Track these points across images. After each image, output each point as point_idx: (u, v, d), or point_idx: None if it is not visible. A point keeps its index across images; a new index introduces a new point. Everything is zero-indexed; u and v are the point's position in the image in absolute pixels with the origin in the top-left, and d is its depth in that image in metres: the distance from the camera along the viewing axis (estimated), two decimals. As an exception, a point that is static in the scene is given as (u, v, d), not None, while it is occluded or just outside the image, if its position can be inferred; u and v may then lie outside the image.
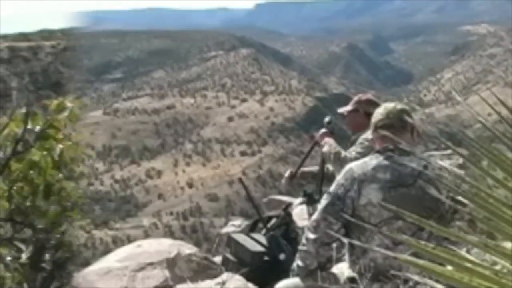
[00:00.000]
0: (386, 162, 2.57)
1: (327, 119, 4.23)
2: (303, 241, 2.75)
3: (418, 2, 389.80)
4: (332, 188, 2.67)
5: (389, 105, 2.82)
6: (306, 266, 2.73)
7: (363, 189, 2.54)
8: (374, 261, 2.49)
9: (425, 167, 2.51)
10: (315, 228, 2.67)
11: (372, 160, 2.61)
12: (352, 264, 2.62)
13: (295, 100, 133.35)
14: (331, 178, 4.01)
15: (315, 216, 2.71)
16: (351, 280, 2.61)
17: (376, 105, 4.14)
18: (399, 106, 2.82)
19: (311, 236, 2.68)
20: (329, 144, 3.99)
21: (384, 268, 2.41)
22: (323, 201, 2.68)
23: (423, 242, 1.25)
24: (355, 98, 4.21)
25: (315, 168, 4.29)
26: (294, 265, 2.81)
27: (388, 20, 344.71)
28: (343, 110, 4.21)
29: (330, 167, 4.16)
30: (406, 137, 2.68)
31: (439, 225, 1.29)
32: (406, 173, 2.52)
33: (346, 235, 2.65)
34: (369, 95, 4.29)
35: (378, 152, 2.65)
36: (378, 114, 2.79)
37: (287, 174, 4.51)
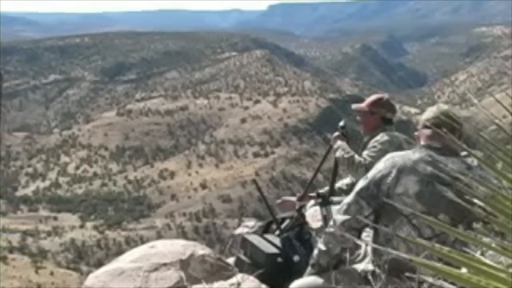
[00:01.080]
0: (428, 158, 2.56)
1: (341, 123, 4.24)
2: (330, 223, 2.73)
3: (432, 3, 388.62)
4: (370, 173, 2.65)
5: (443, 106, 2.84)
6: (329, 250, 2.70)
7: (401, 178, 2.53)
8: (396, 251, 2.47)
9: (463, 172, 2.48)
10: (345, 211, 2.65)
11: (415, 153, 2.60)
12: (376, 257, 2.60)
13: (308, 102, 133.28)
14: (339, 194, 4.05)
15: (347, 199, 2.68)
16: (366, 275, 2.59)
17: (393, 109, 4.14)
18: (453, 110, 2.84)
19: (340, 217, 2.65)
20: (342, 148, 4.00)
21: (405, 261, 2.41)
22: (359, 185, 2.66)
23: (438, 245, 1.24)
24: (374, 98, 4.20)
25: (325, 190, 4.28)
26: (315, 252, 2.78)
27: (402, 21, 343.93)
28: (357, 106, 4.22)
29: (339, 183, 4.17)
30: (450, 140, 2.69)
31: (466, 232, 1.27)
32: (447, 172, 2.49)
33: (375, 222, 2.62)
34: (387, 97, 4.28)
35: (423, 147, 2.65)
36: (430, 112, 2.80)
37: (295, 198, 4.48)
